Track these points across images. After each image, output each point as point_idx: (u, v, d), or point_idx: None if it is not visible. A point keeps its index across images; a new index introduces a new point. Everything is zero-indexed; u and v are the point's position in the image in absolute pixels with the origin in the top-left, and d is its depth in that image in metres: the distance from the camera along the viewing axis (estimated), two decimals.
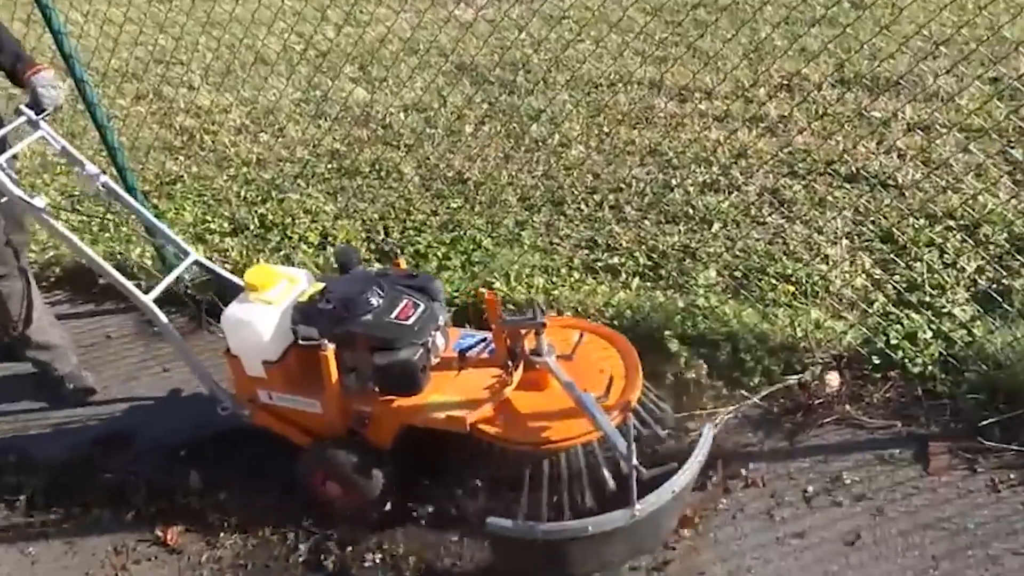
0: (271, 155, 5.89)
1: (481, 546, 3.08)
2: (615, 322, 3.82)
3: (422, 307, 3.05)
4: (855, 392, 3.46)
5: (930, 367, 3.47)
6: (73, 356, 4.11)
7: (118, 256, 4.76)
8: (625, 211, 4.81)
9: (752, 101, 5.78)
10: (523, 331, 2.99)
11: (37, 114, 3.35)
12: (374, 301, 3.02)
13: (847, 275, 4.04)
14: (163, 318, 3.26)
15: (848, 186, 4.75)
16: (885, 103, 5.47)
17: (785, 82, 5.92)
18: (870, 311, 3.76)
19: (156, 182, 5.61)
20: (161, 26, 6.67)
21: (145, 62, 7.12)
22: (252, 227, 5.02)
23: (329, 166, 5.71)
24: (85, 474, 3.61)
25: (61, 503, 3.51)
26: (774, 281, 4.05)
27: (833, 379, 3.49)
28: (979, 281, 3.86)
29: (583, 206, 4.92)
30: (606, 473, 2.92)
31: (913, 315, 3.70)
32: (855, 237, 4.32)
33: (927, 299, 3.81)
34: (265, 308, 3.09)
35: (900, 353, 3.53)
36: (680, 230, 4.57)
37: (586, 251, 4.53)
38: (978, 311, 3.67)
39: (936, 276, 3.93)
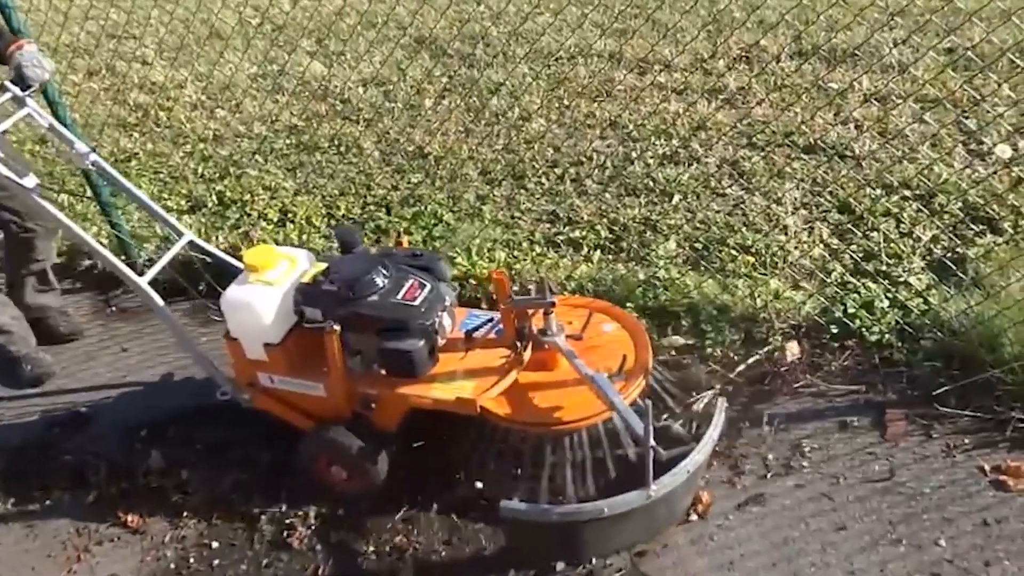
0: (228, 131, 5.82)
1: (466, 526, 3.09)
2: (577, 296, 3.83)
3: (428, 287, 2.98)
4: (814, 361, 3.50)
5: (887, 335, 3.52)
6: (31, 338, 4.05)
7: None
8: (586, 184, 4.81)
9: (711, 73, 5.80)
10: (531, 311, 2.94)
11: (23, 91, 3.23)
12: (379, 281, 2.94)
13: (805, 245, 4.08)
14: (159, 300, 3.16)
15: (806, 157, 4.79)
16: (842, 74, 5.52)
17: (744, 54, 5.95)
18: (828, 281, 3.81)
19: (111, 159, 5.52)
20: None
21: (97, 37, 7.00)
22: (210, 204, 4.96)
23: (287, 142, 5.66)
24: (44, 456, 3.57)
25: (21, 486, 3.47)
26: (734, 252, 4.09)
27: (793, 348, 3.53)
28: (934, 250, 3.92)
29: (544, 180, 4.92)
30: (620, 452, 2.91)
31: (870, 284, 3.75)
32: (813, 208, 4.36)
33: (884, 268, 3.86)
34: (266, 289, 3.00)
35: (857, 322, 3.57)
36: (641, 203, 4.59)
37: (547, 225, 4.54)
38: (933, 280, 3.73)
39: (892, 245, 3.98)
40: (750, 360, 3.51)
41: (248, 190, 5.07)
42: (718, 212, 4.41)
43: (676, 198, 4.59)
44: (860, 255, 3.95)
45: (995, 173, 4.39)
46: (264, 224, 4.72)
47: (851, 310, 3.62)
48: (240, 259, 3.15)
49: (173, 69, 6.65)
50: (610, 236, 4.36)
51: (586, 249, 4.29)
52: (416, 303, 2.92)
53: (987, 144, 4.65)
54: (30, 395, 3.92)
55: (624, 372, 2.93)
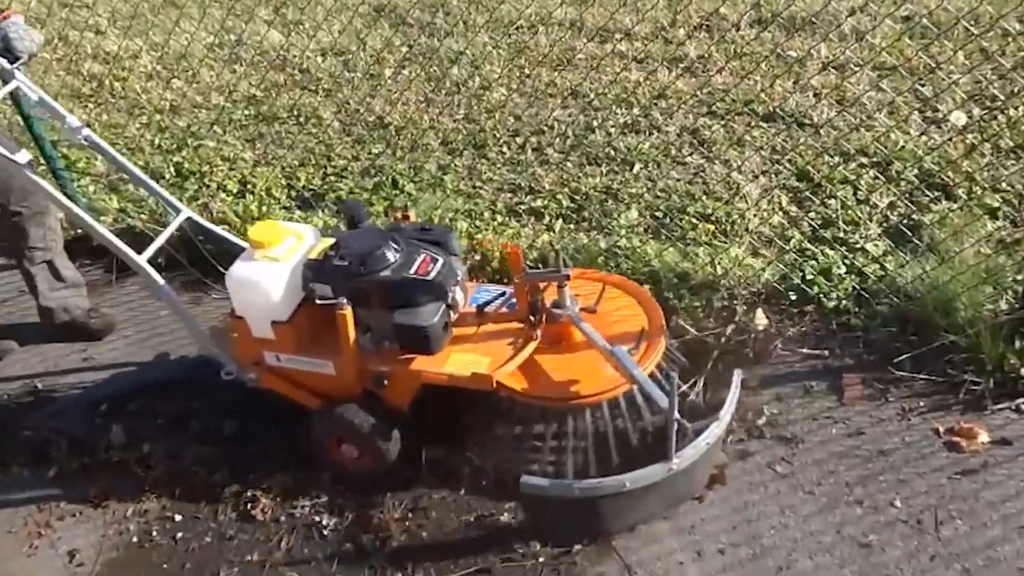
0: (185, 102, 5.74)
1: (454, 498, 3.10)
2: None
3: (441, 261, 2.92)
4: (775, 328, 3.54)
5: (844, 301, 3.57)
6: None
7: None
8: (547, 153, 4.81)
9: (671, 42, 5.80)
10: (544, 284, 2.91)
11: (11, 63, 3.12)
12: (391, 256, 2.87)
13: (765, 213, 4.12)
14: (159, 279, 3.08)
15: (765, 125, 4.82)
16: (801, 42, 5.54)
17: (704, 22, 5.95)
18: (787, 248, 3.84)
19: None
20: None
21: (48, 5, 6.85)
22: (168, 176, 4.90)
23: (246, 112, 5.60)
24: (4, 433, 3.54)
25: None
26: (694, 220, 4.11)
27: (761, 318, 3.55)
28: (891, 217, 3.97)
29: (505, 149, 4.91)
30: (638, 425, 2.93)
31: (828, 251, 3.80)
32: (772, 176, 4.40)
33: (841, 235, 3.91)
34: (273, 266, 2.92)
35: (816, 288, 3.62)
36: (602, 171, 4.60)
37: (509, 194, 4.53)
38: (890, 246, 3.78)
39: (850, 212, 4.02)
40: (717, 330, 3.53)
41: (206, 161, 5.01)
42: (679, 180, 4.43)
43: (637, 167, 4.60)
44: (818, 222, 3.99)
45: (950, 140, 4.45)
46: (223, 196, 4.68)
47: (809, 277, 3.67)
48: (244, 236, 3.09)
49: (127, 38, 6.53)
50: (572, 205, 4.37)
51: (548, 218, 4.29)
52: (429, 277, 2.86)
53: (942, 111, 4.70)
54: None
55: (641, 345, 2.92)
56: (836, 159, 4.43)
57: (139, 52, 6.42)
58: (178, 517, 3.12)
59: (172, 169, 4.94)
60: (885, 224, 3.94)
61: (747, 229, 4.00)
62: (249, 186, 4.75)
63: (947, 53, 5.13)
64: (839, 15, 5.63)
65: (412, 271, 2.86)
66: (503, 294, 3.14)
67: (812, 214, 4.07)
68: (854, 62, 5.27)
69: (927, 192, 4.07)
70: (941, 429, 3.11)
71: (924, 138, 4.51)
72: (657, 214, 4.21)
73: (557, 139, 4.93)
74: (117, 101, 5.87)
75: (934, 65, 5.04)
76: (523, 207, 4.40)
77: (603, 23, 5.98)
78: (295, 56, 6.18)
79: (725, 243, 3.92)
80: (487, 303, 3.10)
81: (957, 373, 3.26)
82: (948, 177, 4.17)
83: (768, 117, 4.88)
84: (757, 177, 4.37)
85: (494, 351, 2.93)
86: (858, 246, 3.81)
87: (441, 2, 6.61)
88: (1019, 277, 3.37)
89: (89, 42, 6.67)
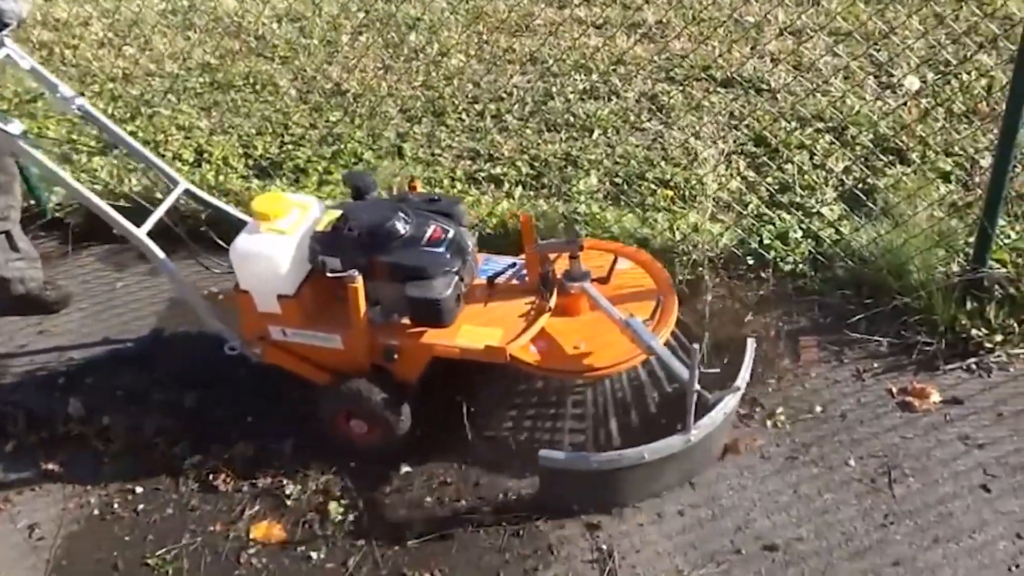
0: (138, 69, 5.64)
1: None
2: (498, 232, 3.84)
3: (452, 232, 2.87)
4: (732, 291, 3.58)
5: (800, 265, 3.61)
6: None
7: None
8: (506, 120, 4.80)
9: (630, 7, 5.79)
10: (554, 255, 2.89)
11: None
12: (402, 228, 2.82)
13: (723, 178, 4.14)
14: (159, 253, 3.01)
15: (723, 91, 4.84)
16: (758, 7, 5.56)
17: None
18: (744, 213, 3.88)
19: (15, 100, 5.32)
20: None
21: None
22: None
23: (200, 80, 5.52)
24: None
25: None
26: (653, 186, 4.13)
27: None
28: (846, 181, 4.01)
29: (464, 116, 4.89)
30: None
31: (784, 215, 3.84)
32: (730, 141, 4.42)
33: (798, 200, 3.95)
34: (279, 239, 2.84)
35: (773, 253, 3.66)
36: (561, 138, 4.60)
37: (468, 162, 4.52)
38: (845, 210, 3.83)
39: (806, 177, 4.07)
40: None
41: (161, 130, 4.94)
42: (637, 146, 4.45)
43: (596, 133, 4.61)
44: (775, 187, 4.03)
45: (904, 104, 4.50)
46: (179, 165, 4.62)
47: (767, 241, 3.71)
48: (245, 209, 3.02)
49: (77, 5, 6.40)
50: (531, 172, 4.37)
51: (507, 185, 4.29)
52: (441, 249, 2.81)
53: (896, 76, 4.75)
54: None
55: (656, 316, 2.91)
56: (793, 124, 4.47)
57: (89, 19, 6.29)
58: (139, 489, 3.11)
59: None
60: (840, 188, 3.98)
61: (705, 194, 4.03)
62: (205, 155, 4.69)
63: (901, 18, 5.17)
64: None
65: (423, 243, 2.82)
66: (513, 265, 3.10)
67: (769, 179, 4.10)
68: (810, 27, 5.30)
69: (881, 156, 4.12)
70: (895, 389, 3.17)
71: (879, 103, 4.56)
72: (616, 180, 4.22)
73: (516, 106, 4.92)
74: (68, 69, 5.76)
75: (888, 30, 5.08)
76: (482, 174, 4.39)
77: None
78: (250, 22, 6.10)
79: (684, 209, 3.95)
80: (497, 274, 3.07)
81: (910, 334, 3.32)
82: (902, 141, 4.22)
83: (726, 82, 4.90)
84: (715, 143, 4.40)
85: (506, 323, 2.90)
86: (814, 210, 3.86)
87: None
88: (970, 240, 3.42)
89: (38, 9, 6.53)
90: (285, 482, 3.04)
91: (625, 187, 4.16)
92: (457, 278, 2.83)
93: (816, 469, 2.93)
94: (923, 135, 4.22)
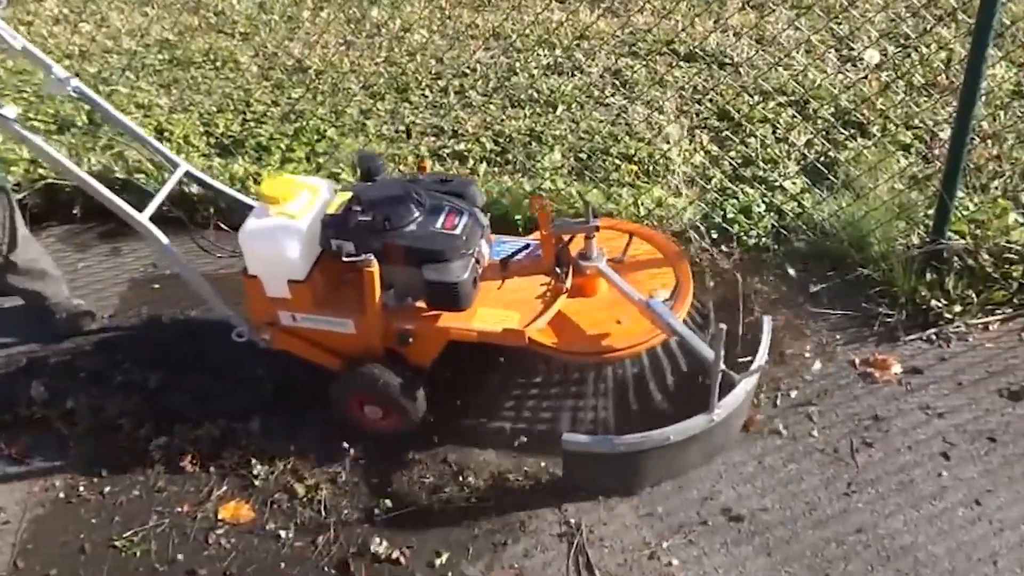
0: (94, 46, 5.55)
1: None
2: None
3: (467, 214, 2.81)
4: (696, 266, 3.60)
5: (764, 239, 3.64)
6: (65, 285, 3.67)
7: None
8: (470, 96, 4.78)
9: None
10: (568, 236, 2.85)
11: None
12: (416, 210, 2.76)
13: (686, 153, 4.16)
14: (162, 238, 2.92)
15: (686, 65, 4.85)
16: None
17: None
18: (708, 187, 3.90)
19: None
20: None
21: None
22: (80, 124, 4.75)
23: (159, 57, 5.44)
24: None
25: None
26: (617, 161, 4.14)
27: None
28: (808, 155, 4.04)
29: (428, 92, 4.87)
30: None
31: (748, 189, 3.86)
32: (693, 116, 4.44)
33: (761, 174, 3.98)
34: (289, 222, 2.77)
35: (736, 226, 3.69)
36: (525, 114, 4.59)
37: (432, 138, 4.50)
38: (807, 183, 3.86)
39: (769, 151, 4.10)
40: None
41: (120, 108, 4.85)
42: (601, 122, 4.45)
43: (560, 108, 4.61)
44: (739, 161, 4.06)
45: (865, 78, 4.54)
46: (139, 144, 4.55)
47: (730, 215, 3.73)
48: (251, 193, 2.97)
49: None
50: (495, 148, 4.37)
51: (472, 162, 4.28)
52: (457, 231, 2.75)
53: (857, 49, 4.78)
54: None
55: (675, 295, 2.90)
56: (756, 98, 4.49)
57: None
58: (105, 472, 3.08)
59: (84, 116, 4.78)
60: (803, 162, 4.01)
61: (669, 169, 4.04)
62: (166, 133, 4.63)
63: None
64: None
65: (439, 225, 2.77)
66: (527, 246, 3.06)
67: (732, 153, 4.12)
68: (772, 1, 5.32)
69: (842, 130, 4.16)
70: (856, 360, 3.22)
71: (840, 76, 4.59)
72: (581, 155, 4.23)
73: (480, 82, 4.91)
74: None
75: (849, 3, 5.11)
76: (447, 151, 4.38)
77: None
78: None
79: (648, 184, 3.96)
80: (510, 256, 3.03)
81: (871, 306, 3.37)
82: (863, 115, 4.26)
83: (689, 57, 4.91)
84: (679, 117, 4.41)
85: (522, 305, 2.87)
86: (777, 184, 3.89)
87: None
88: (930, 212, 3.47)
89: None
90: (253, 461, 3.03)
91: (589, 162, 4.17)
92: (474, 260, 2.79)
93: (780, 440, 2.97)
94: (883, 108, 4.26)
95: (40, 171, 4.29)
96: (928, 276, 3.36)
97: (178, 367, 3.39)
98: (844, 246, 3.49)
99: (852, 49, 4.78)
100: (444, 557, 2.72)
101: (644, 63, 4.90)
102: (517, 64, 5.00)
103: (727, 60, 4.85)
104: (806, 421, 3.02)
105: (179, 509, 2.94)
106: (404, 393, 2.91)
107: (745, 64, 4.78)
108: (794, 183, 3.88)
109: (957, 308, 3.31)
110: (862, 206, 3.55)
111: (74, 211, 4.17)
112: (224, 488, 2.99)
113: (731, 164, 4.04)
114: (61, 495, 3.03)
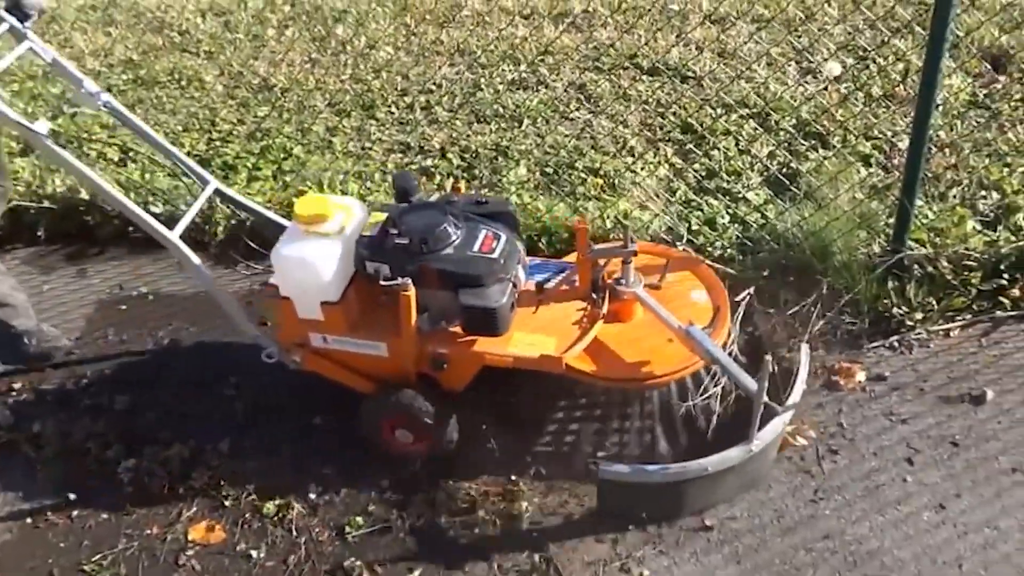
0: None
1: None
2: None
3: (504, 238, 2.77)
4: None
5: (729, 250, 3.68)
6: (32, 312, 3.57)
7: None
8: (436, 112, 4.81)
9: None
10: (603, 261, 2.83)
11: (21, 21, 2.86)
12: (453, 233, 2.72)
13: (651, 166, 4.20)
14: (193, 257, 2.87)
15: (649, 79, 4.90)
16: None
17: None
18: (672, 200, 3.94)
19: None
20: None
21: None
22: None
23: (124, 77, 5.42)
24: None
25: None
26: (583, 175, 4.18)
27: None
28: (770, 166, 4.09)
29: (394, 109, 4.88)
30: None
31: (712, 201, 3.91)
32: (657, 129, 4.48)
33: (724, 185, 4.02)
34: (323, 243, 2.74)
35: (701, 238, 3.72)
36: (491, 129, 4.62)
37: (399, 155, 4.52)
38: (770, 195, 3.91)
39: (732, 163, 4.14)
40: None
41: (84, 129, 4.84)
42: (567, 136, 4.49)
43: (525, 123, 4.64)
44: (702, 173, 4.10)
45: (824, 90, 4.61)
46: (104, 164, 4.54)
47: (695, 227, 3.77)
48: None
49: None
50: (462, 164, 4.39)
51: (439, 178, 4.30)
52: (495, 255, 2.71)
53: (816, 62, 4.85)
54: None
55: (714, 323, 2.87)
56: (718, 111, 4.54)
57: None
58: (72, 495, 3.06)
59: None
60: (765, 173, 4.06)
61: (634, 182, 4.08)
62: (131, 154, 4.62)
63: (820, 4, 5.28)
64: None
65: (476, 248, 2.73)
66: (562, 270, 3.03)
67: (696, 166, 4.17)
68: (733, 14, 5.39)
69: (804, 141, 4.22)
70: (820, 368, 3.26)
71: (800, 88, 4.66)
72: (547, 170, 4.26)
73: (445, 98, 4.93)
74: None
75: (807, 16, 5.19)
76: (414, 167, 4.39)
77: None
78: (173, 17, 6.01)
79: (613, 197, 3.99)
80: (546, 280, 3.00)
81: (835, 315, 3.41)
82: (823, 126, 4.32)
83: (652, 71, 4.96)
84: (643, 131, 4.46)
85: (558, 331, 2.83)
86: (740, 196, 3.93)
87: None
88: (891, 221, 3.52)
89: None
90: (222, 482, 3.02)
91: (555, 176, 4.20)
92: (511, 285, 2.75)
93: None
94: (843, 119, 4.33)
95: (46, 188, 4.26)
96: (890, 284, 3.41)
97: (146, 389, 3.38)
98: (807, 256, 3.53)
99: (811, 61, 4.85)
100: (416, 573, 2.72)
101: (608, 77, 4.94)
102: (482, 80, 5.03)
103: (689, 74, 4.91)
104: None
105: (149, 531, 2.92)
106: (437, 419, 2.88)
107: (707, 77, 4.84)
108: (757, 194, 3.93)
109: (919, 315, 3.36)
110: (824, 216, 3.60)
111: (39, 233, 4.14)
112: (194, 509, 2.98)
113: (695, 176, 4.08)
114: (28, 520, 3.00)
